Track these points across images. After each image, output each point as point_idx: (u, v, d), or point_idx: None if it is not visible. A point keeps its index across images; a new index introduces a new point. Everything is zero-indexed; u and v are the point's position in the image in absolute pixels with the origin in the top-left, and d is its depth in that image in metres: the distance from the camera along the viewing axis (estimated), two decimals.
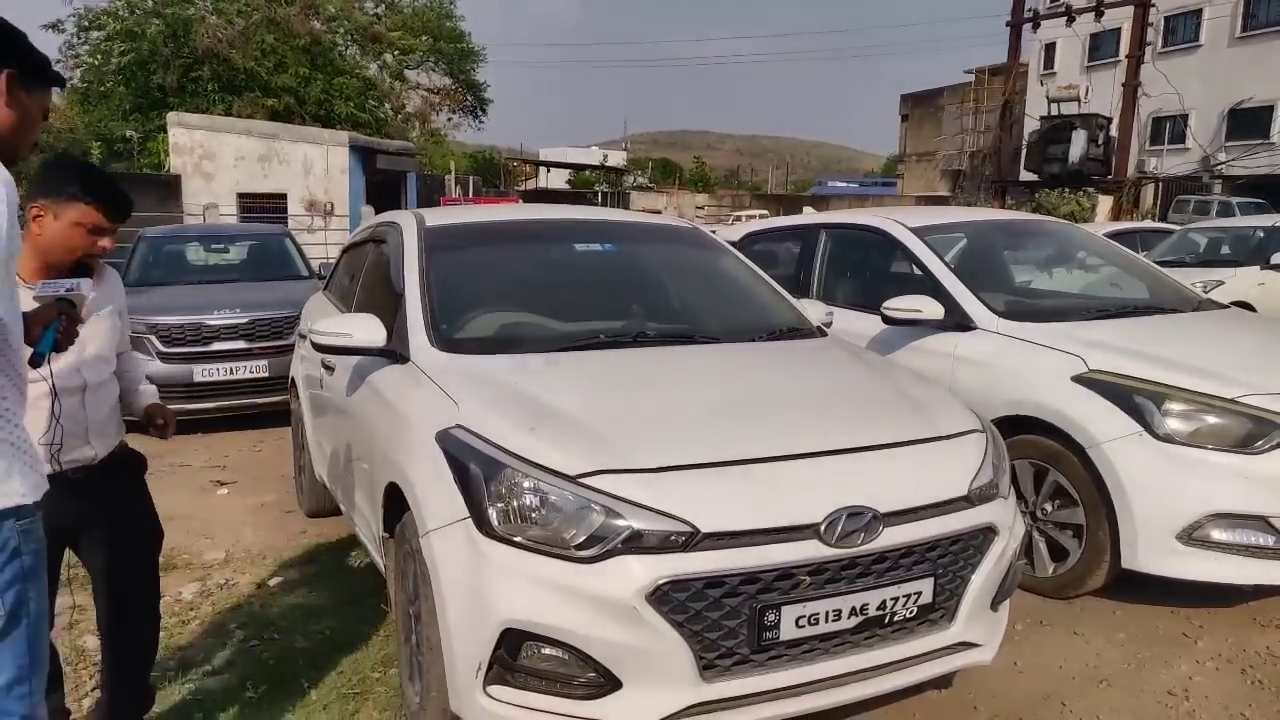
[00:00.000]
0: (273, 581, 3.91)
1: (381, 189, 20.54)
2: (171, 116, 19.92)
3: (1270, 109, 25.16)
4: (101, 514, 2.42)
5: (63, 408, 2.28)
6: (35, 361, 1.91)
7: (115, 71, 26.92)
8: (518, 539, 2.17)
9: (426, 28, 31.45)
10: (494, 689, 2.20)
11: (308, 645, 3.29)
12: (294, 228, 15.01)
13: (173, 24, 26.14)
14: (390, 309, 3.19)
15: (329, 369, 3.69)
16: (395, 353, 2.99)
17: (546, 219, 4.23)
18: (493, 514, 2.20)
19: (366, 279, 3.94)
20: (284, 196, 18.65)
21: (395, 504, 2.66)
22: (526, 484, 2.20)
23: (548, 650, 2.15)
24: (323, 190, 18.97)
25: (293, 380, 4.84)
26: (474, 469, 2.27)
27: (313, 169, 18.96)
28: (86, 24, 26.61)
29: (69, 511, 2.32)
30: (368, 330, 2.99)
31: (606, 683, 2.14)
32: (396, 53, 31.43)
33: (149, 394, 2.66)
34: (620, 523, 2.12)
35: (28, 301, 2.01)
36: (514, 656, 2.17)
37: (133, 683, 2.62)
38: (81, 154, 25.17)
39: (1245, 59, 25.75)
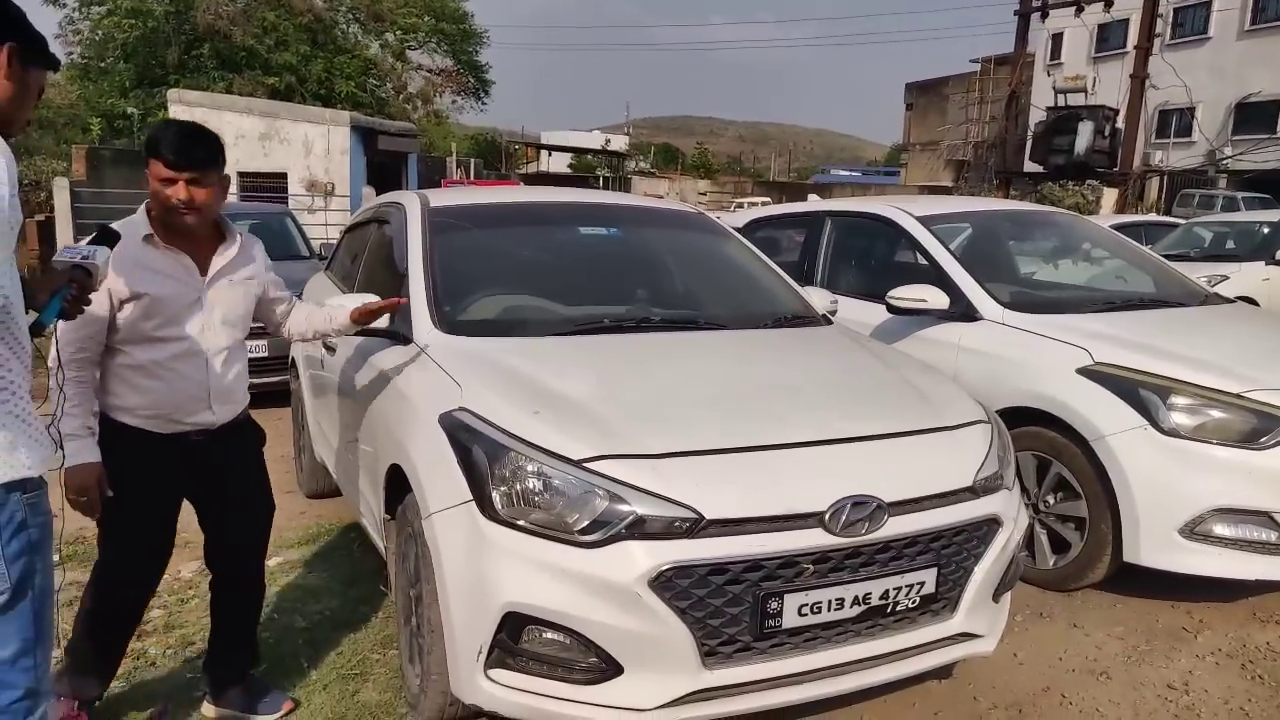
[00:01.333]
0: (272, 562, 3.88)
1: (383, 170, 20.44)
2: (172, 94, 19.79)
3: (1278, 103, 25.03)
4: (222, 480, 2.50)
5: (186, 371, 2.34)
6: (36, 329, 1.87)
7: (117, 47, 26.75)
8: (520, 522, 2.15)
9: (429, 8, 31.21)
10: (495, 672, 2.20)
11: (307, 625, 3.28)
12: (294, 207, 14.92)
13: (177, 1, 25.97)
14: (393, 290, 3.17)
15: (330, 349, 3.67)
16: (398, 334, 2.97)
17: (552, 201, 4.19)
18: (496, 497, 2.18)
19: (369, 259, 3.91)
20: (284, 176, 18.54)
21: (397, 486, 2.65)
22: (530, 467, 2.19)
23: (549, 634, 2.14)
24: (323, 170, 18.87)
25: (293, 360, 4.82)
26: (477, 452, 2.25)
27: (313, 149, 18.85)
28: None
29: (189, 474, 2.42)
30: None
31: (608, 668, 2.13)
32: (399, 32, 31.22)
33: (341, 309, 2.77)
34: (624, 508, 2.11)
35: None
36: (515, 640, 2.16)
37: (244, 639, 2.72)
38: (81, 130, 25.04)
39: (1254, 52, 25.59)
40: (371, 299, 2.81)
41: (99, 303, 2.15)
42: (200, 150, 2.29)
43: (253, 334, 6.37)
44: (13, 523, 1.64)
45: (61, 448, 2.27)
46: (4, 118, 1.73)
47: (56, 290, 1.87)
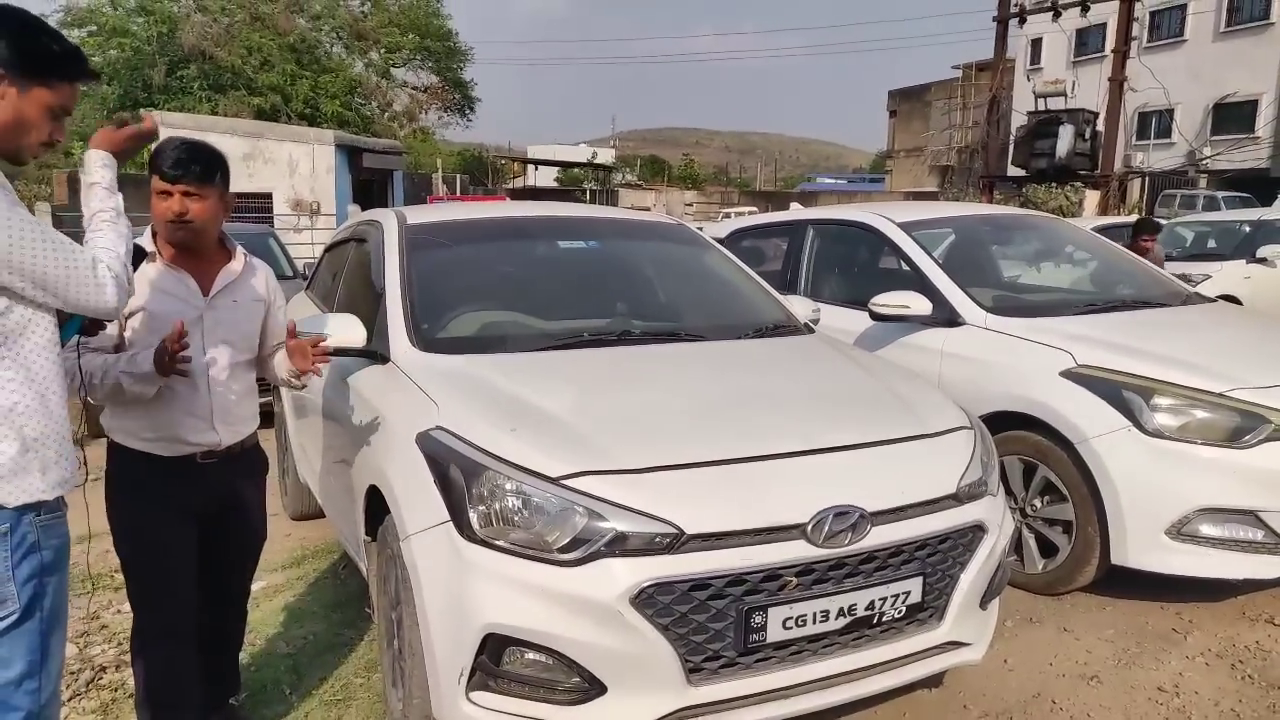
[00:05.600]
0: (256, 586, 3.81)
1: (368, 188, 20.43)
2: (154, 116, 19.76)
3: (1254, 103, 25.29)
4: (224, 505, 2.48)
5: (185, 391, 2.30)
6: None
7: (101, 69, 26.71)
8: (499, 542, 2.12)
9: (413, 25, 31.31)
10: (477, 695, 2.16)
11: (290, 651, 3.24)
12: (280, 227, 14.91)
13: (160, 20, 25.97)
14: (371, 308, 3.15)
15: None
16: (376, 353, 2.94)
17: (530, 216, 4.18)
18: (474, 517, 2.16)
19: (348, 278, 3.89)
20: (269, 196, 18.49)
21: (376, 507, 2.62)
22: (508, 486, 2.16)
23: (531, 655, 2.11)
24: (309, 189, 18.83)
25: None
26: (454, 471, 2.23)
27: (298, 168, 18.82)
28: (70, 20, 26.37)
29: (196, 497, 2.39)
30: (347, 330, 2.93)
31: (591, 687, 2.10)
32: (383, 50, 31.29)
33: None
34: (604, 525, 2.08)
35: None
36: (497, 662, 2.13)
37: (224, 668, 2.69)
38: (64, 154, 24.96)
39: (1229, 54, 25.87)
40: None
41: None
42: (197, 164, 2.27)
43: None
44: (24, 545, 1.64)
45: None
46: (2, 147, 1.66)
47: None
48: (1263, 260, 8.98)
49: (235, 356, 2.43)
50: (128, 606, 3.57)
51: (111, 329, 2.25)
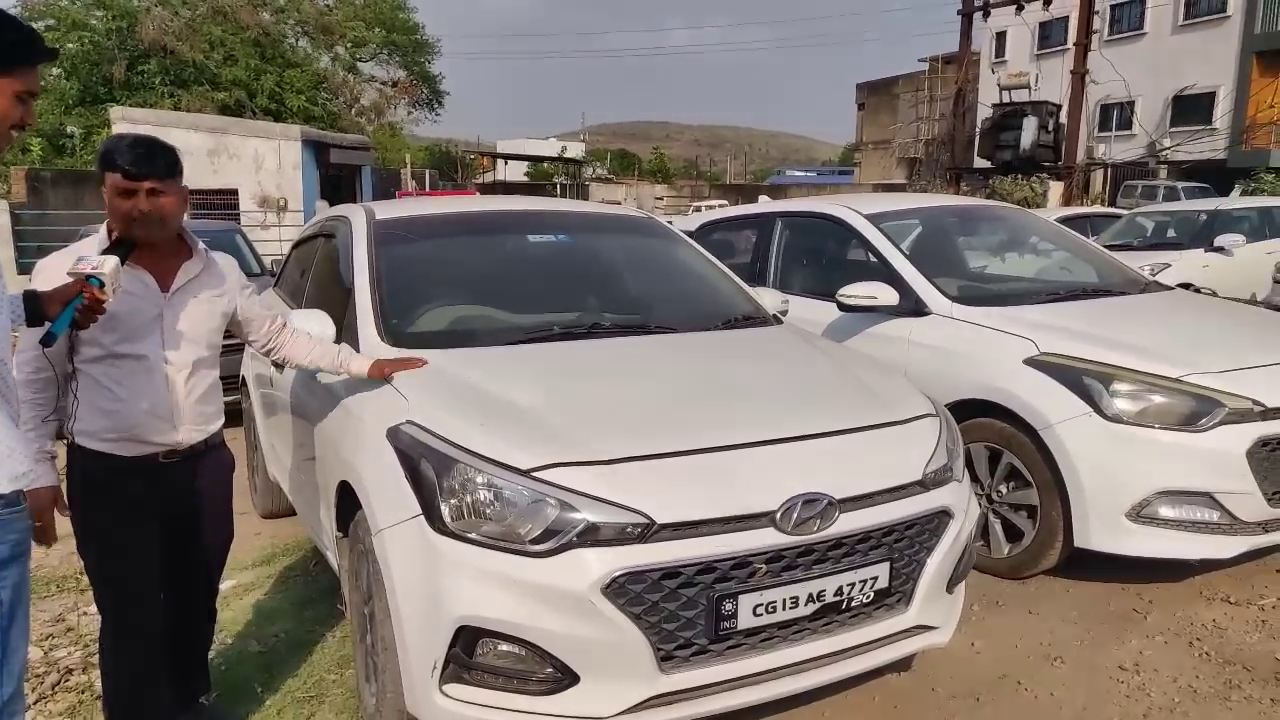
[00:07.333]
0: (225, 585, 3.80)
1: (336, 184, 20.25)
2: (115, 111, 19.41)
3: (1212, 95, 25.80)
4: (190, 504, 2.46)
5: (146, 390, 2.29)
6: (47, 340, 1.94)
7: (60, 64, 26.18)
8: (471, 535, 2.13)
9: (379, 20, 31.04)
10: (450, 687, 2.17)
11: (262, 649, 3.22)
12: (246, 224, 14.72)
13: (119, 15, 25.47)
14: (340, 304, 3.13)
15: (279, 367, 3.61)
16: None
17: (499, 210, 4.17)
18: (445, 510, 2.16)
19: (316, 274, 3.86)
20: (235, 192, 18.25)
21: (348, 503, 2.61)
22: (479, 479, 2.17)
23: (504, 646, 2.12)
24: (275, 185, 18.61)
25: (243, 379, 4.74)
26: (425, 465, 2.23)
27: (264, 164, 18.59)
28: (27, 14, 25.80)
29: (160, 497, 2.37)
30: (315, 326, 2.91)
31: (564, 677, 2.12)
32: (349, 45, 30.98)
33: (356, 358, 2.70)
34: (575, 516, 2.10)
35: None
36: (470, 654, 2.13)
37: (193, 668, 2.69)
38: (21, 151, 24.42)
39: (1188, 47, 26.38)
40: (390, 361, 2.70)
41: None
42: (160, 159, 2.24)
43: None
44: None
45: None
46: None
47: (68, 301, 1.89)
48: (1220, 249, 9.18)
49: (196, 353, 2.40)
50: (94, 608, 3.54)
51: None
